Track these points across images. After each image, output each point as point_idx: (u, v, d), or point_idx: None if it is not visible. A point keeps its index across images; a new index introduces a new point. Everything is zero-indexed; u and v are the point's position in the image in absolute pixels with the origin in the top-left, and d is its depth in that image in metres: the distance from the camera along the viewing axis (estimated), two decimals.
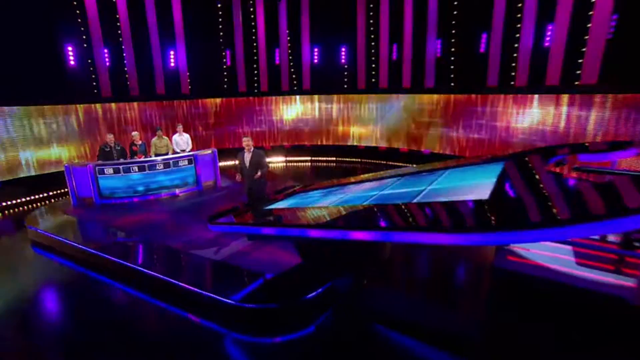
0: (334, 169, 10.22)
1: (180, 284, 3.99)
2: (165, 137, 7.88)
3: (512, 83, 8.23)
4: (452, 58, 9.21)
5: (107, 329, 3.53)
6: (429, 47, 9.65)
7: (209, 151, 7.55)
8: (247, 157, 5.07)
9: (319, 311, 3.47)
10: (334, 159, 10.95)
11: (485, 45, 8.36)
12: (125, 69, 9.93)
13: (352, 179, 5.12)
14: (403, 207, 2.83)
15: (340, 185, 4.67)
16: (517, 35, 7.86)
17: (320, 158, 11.12)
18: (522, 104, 7.83)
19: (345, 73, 10.93)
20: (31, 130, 8.43)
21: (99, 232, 5.63)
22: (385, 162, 10.31)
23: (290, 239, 3.62)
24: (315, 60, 11.02)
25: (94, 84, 9.56)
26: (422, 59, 9.71)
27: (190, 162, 7.25)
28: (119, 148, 7.30)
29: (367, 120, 10.61)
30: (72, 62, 9.17)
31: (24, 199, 8.12)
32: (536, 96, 7.59)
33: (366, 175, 5.38)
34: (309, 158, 11.15)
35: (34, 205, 7.96)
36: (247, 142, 5.08)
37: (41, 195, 8.46)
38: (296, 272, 3.82)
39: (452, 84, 9.33)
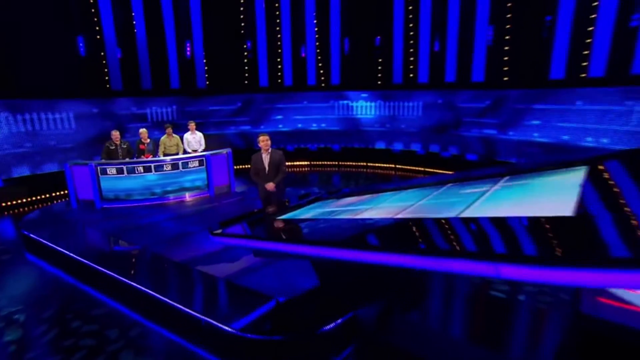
0: (365, 175, 10.10)
1: (176, 305, 3.68)
2: (176, 136, 7.84)
3: (583, 75, 7.60)
4: (507, 47, 8.64)
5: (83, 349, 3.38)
6: (478, 35, 9.07)
7: (223, 151, 7.48)
8: (265, 158, 4.90)
9: (337, 348, 3.14)
10: (365, 163, 10.88)
11: (551, 30, 7.94)
12: (138, 60, 10.17)
13: (386, 186, 4.79)
14: (452, 223, 2.40)
15: (372, 193, 4.33)
16: (593, 15, 7.31)
17: (349, 163, 11.08)
18: (597, 98, 7.26)
19: (380, 67, 10.75)
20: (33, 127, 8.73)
21: (95, 240, 5.58)
22: (423, 169, 10.10)
23: (305, 258, 3.23)
24: (346, 52, 10.99)
25: (106, 78, 9.80)
26: (468, 49, 9.18)
27: (201, 163, 7.21)
28: (124, 146, 7.30)
29: (403, 120, 10.44)
30: (82, 53, 9.50)
31: (25, 199, 8.47)
32: (616, 89, 6.99)
33: (402, 182, 5.14)
34: (336, 162, 11.14)
35: (34, 206, 8.19)
36: (264, 141, 4.88)
37: (43, 196, 8.67)
38: (312, 296, 3.52)
39: (506, 78, 8.76)
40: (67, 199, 7.38)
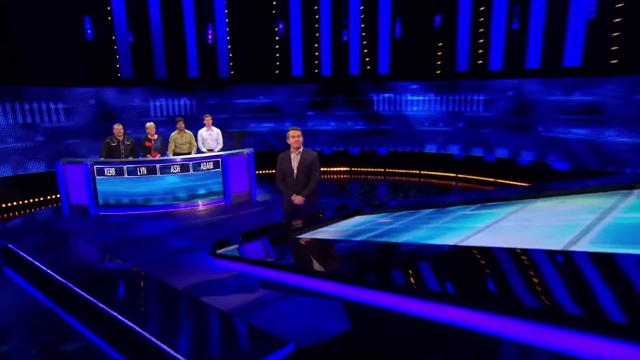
0: (417, 185, 10.04)
1: (164, 347, 3.29)
2: (189, 132, 7.87)
3: None
4: (618, 19, 7.80)
5: None
6: (574, 7, 8.28)
7: (244, 151, 7.43)
8: (295, 159, 4.74)
9: None
10: (417, 171, 10.83)
11: None
12: (151, 45, 10.31)
13: (447, 200, 4.67)
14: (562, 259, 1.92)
15: (427, 207, 4.08)
16: None
17: (398, 170, 11.11)
18: None
19: (440, 53, 10.36)
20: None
21: (82, 255, 5.56)
22: (493, 180, 9.75)
23: (333, 299, 2.80)
24: (397, 35, 10.73)
25: (116, 65, 9.96)
26: (560, 25, 8.45)
27: (216, 165, 7.18)
28: (128, 143, 7.36)
29: (468, 117, 10.19)
30: (89, 36, 9.69)
31: (14, 203, 8.68)
32: None
33: (470, 194, 5.01)
34: (381, 169, 11.19)
35: (22, 211, 8.35)
36: (295, 137, 4.68)
37: (34, 200, 8.86)
38: (342, 344, 3.01)
39: (614, 60, 7.92)
40: (59, 203, 7.37)
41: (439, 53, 10.42)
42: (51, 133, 9.22)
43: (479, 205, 3.74)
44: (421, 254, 2.61)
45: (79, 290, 4.31)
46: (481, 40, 9.86)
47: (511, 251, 2.27)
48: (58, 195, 8.03)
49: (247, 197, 7.46)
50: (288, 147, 4.82)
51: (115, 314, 3.85)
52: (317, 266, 3.08)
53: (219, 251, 3.62)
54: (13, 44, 8.57)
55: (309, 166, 4.70)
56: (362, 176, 11.04)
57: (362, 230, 3.56)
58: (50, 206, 8.17)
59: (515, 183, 9.16)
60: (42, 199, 8.84)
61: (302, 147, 4.72)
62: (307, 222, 4.46)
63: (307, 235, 3.77)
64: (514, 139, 9.45)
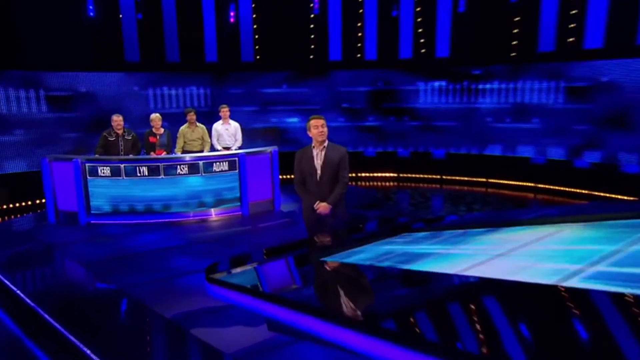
0: (483, 197, 9.94)
1: None
2: (201, 125, 7.89)
3: None
4: None
5: None
6: None
7: (266, 150, 7.36)
8: (318, 156, 4.61)
9: None
10: (484, 179, 10.68)
11: None
12: (162, 24, 10.29)
13: (526, 216, 4.52)
14: None
15: (501, 226, 3.84)
16: None
17: (459, 177, 10.96)
18: None
19: (516, 30, 9.97)
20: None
21: (61, 274, 5.55)
22: (588, 192, 9.39)
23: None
24: (461, 9, 10.49)
25: (121, 46, 10.03)
26: None
27: (232, 166, 7.12)
28: (129, 138, 7.34)
29: (555, 112, 9.75)
30: (91, 13, 9.74)
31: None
32: None
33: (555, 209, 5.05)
34: (437, 176, 11.14)
35: (7, 216, 8.56)
36: (318, 127, 4.52)
37: (22, 204, 9.03)
38: None
39: None
40: (44, 209, 7.50)
41: (515, 30, 10.04)
42: (34, 125, 9.30)
43: (552, 224, 3.48)
44: (506, 297, 2.24)
45: (49, 318, 4.28)
46: (574, 11, 9.35)
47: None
48: (43, 200, 8.22)
49: (269, 206, 7.39)
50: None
51: (86, 350, 3.77)
52: (345, 307, 2.62)
53: (215, 276, 3.31)
54: (9, 24, 8.80)
55: (336, 165, 4.59)
56: (413, 184, 11.04)
57: (412, 256, 3.24)
58: (33, 212, 8.29)
59: (620, 197, 8.79)
60: (23, 204, 8.96)
61: (327, 142, 4.62)
62: (334, 239, 4.26)
63: (334, 259, 3.41)
64: (615, 138, 9.07)
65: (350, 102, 11.29)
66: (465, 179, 10.72)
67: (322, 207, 4.55)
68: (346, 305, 2.63)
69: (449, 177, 10.87)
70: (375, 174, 11.37)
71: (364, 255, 3.46)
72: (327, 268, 3.36)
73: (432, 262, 2.94)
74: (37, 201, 9.03)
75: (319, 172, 4.59)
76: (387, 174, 11.34)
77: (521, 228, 3.66)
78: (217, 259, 5.07)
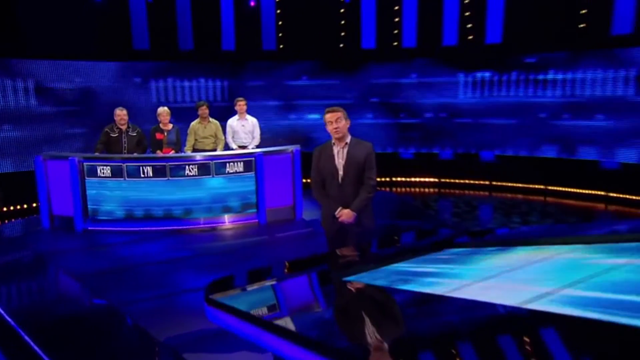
0: (541, 207, 9.80)
1: None
2: (214, 121, 7.93)
3: None
4: None
5: None
6: None
7: (287, 149, 7.33)
8: (340, 153, 4.53)
9: None
10: (542, 186, 10.57)
11: None
12: (175, 9, 10.38)
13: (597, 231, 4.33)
14: None
15: (565, 243, 3.52)
16: None
17: (510, 183, 10.92)
18: None
19: (584, 11, 9.64)
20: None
21: (54, 289, 5.59)
22: None
23: None
24: None
25: (128, 33, 10.11)
26: None
27: (248, 167, 7.10)
28: (133, 134, 7.40)
29: (629, 105, 9.45)
30: None
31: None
32: None
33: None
34: (486, 182, 11.16)
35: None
36: (334, 121, 4.45)
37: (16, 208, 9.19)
38: None
39: None
40: (38, 214, 7.52)
41: (583, 10, 9.69)
42: (26, 121, 9.36)
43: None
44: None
45: (29, 341, 4.29)
46: None
47: None
48: (35, 205, 8.33)
49: (289, 213, 7.37)
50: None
51: None
52: (367, 345, 2.30)
53: (216, 297, 3.07)
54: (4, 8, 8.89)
55: (361, 165, 4.48)
56: (457, 190, 11.04)
57: (446, 277, 3.05)
58: (26, 217, 8.45)
59: None
60: (17, 207, 9.07)
61: (350, 137, 4.54)
62: (359, 254, 4.08)
63: (357, 279, 3.21)
64: None
65: (384, 96, 11.21)
66: (519, 185, 10.62)
67: (344, 214, 4.43)
68: (369, 343, 2.35)
69: (499, 183, 10.79)
70: (413, 179, 11.26)
71: (395, 275, 3.22)
72: (349, 291, 3.12)
73: (480, 283, 2.66)
74: (34, 204, 9.10)
75: (340, 172, 4.48)
76: (427, 179, 11.24)
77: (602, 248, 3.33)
78: (226, 274, 5.23)
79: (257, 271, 3.88)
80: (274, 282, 3.46)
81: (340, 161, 4.49)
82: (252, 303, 3.14)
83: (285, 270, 3.87)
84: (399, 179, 11.25)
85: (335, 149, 4.48)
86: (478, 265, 3.35)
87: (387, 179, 11.21)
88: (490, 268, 3.23)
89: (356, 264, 3.89)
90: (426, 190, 11.05)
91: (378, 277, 3.22)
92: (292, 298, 3.22)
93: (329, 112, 4.45)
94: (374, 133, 10.68)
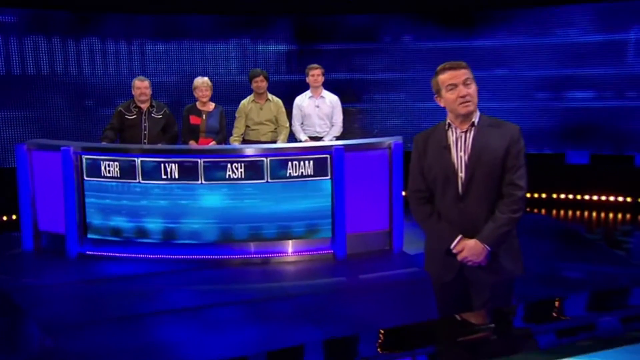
0: None
1: None
2: (276, 100, 8.13)
3: None
4: None
5: None
6: None
7: (383, 142, 7.40)
8: (461, 141, 4.18)
9: None
10: None
11: None
12: None
13: None
14: None
15: None
16: None
17: None
18: None
19: None
20: None
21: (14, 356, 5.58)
22: None
23: None
24: None
25: None
26: None
27: (320, 168, 7.16)
28: (158, 116, 7.59)
29: None
30: None
31: None
32: None
33: None
34: None
35: None
36: (465, 86, 4.04)
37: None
38: None
39: None
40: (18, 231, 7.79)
41: None
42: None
43: None
44: None
45: None
46: None
47: None
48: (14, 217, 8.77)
49: (382, 242, 7.39)
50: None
51: None
52: None
53: None
54: None
55: (500, 161, 4.02)
56: None
57: None
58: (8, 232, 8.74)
59: None
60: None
61: (478, 114, 4.13)
62: (499, 331, 3.55)
63: None
64: None
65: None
66: None
67: (468, 249, 3.97)
68: None
69: None
70: (588, 197, 10.76)
71: None
72: None
73: None
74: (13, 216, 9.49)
75: (461, 175, 4.01)
76: (614, 197, 10.73)
77: None
78: (271, 344, 5.36)
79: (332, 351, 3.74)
80: None
81: (461, 155, 4.03)
82: None
83: (378, 351, 3.48)
84: (561, 195, 10.88)
85: (453, 135, 4.04)
86: None
87: (544, 196, 10.83)
88: None
89: (494, 353, 3.46)
90: (611, 214, 10.55)
91: None
92: None
93: (449, 68, 4.03)
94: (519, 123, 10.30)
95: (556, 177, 10.72)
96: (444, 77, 3.99)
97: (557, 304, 4.25)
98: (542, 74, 11.36)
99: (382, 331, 3.55)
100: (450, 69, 4.01)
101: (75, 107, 10.37)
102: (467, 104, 3.90)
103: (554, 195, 10.84)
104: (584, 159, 11.06)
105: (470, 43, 11.51)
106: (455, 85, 3.93)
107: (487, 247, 3.92)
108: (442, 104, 4.07)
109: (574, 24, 11.27)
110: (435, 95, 4.10)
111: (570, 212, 10.66)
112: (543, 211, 10.56)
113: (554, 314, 3.89)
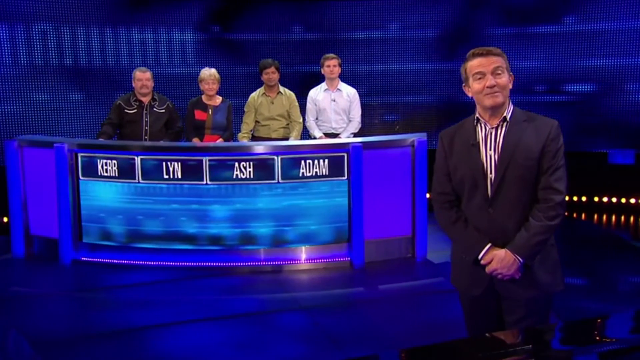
0: None
1: None
2: (288, 92, 8.16)
3: None
4: None
5: None
6: None
7: (406, 140, 7.41)
8: (492, 137, 4.10)
9: None
10: None
11: None
12: None
13: None
14: None
15: None
16: None
17: None
18: None
19: None
20: None
21: None
22: None
23: None
24: None
25: None
26: None
27: (336, 168, 7.21)
28: (161, 110, 7.62)
29: None
30: None
31: None
32: None
33: None
34: None
35: None
36: (495, 75, 3.92)
37: None
38: None
39: None
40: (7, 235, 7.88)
41: None
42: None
43: None
44: None
45: None
46: None
47: None
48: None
49: (404, 249, 7.44)
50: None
51: None
52: None
53: None
54: None
55: (535, 160, 3.85)
56: None
57: None
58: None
59: None
60: None
61: (511, 106, 4.01)
62: (537, 352, 3.20)
63: None
64: None
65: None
66: None
67: (498, 260, 3.81)
68: None
69: None
70: (633, 200, 10.64)
71: None
72: None
73: None
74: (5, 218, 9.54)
75: (491, 175, 3.84)
76: None
77: None
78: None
79: None
80: None
81: (490, 154, 3.88)
82: None
83: None
84: (605, 199, 10.71)
85: (482, 132, 3.89)
86: None
87: (584, 199, 10.68)
88: None
89: None
90: None
91: None
92: None
93: (478, 54, 3.87)
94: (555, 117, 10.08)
95: (597, 179, 10.61)
96: (472, 64, 3.85)
97: (600, 322, 3.97)
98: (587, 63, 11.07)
99: (403, 352, 3.47)
100: (479, 55, 3.86)
101: (68, 100, 10.25)
102: (493, 98, 3.79)
103: (595, 199, 10.69)
104: (629, 158, 10.91)
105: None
106: (483, 74, 3.79)
107: (520, 258, 3.76)
108: (470, 94, 3.89)
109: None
110: (463, 84, 3.93)
111: (613, 217, 10.50)
112: (583, 216, 10.44)
113: (598, 335, 3.66)
